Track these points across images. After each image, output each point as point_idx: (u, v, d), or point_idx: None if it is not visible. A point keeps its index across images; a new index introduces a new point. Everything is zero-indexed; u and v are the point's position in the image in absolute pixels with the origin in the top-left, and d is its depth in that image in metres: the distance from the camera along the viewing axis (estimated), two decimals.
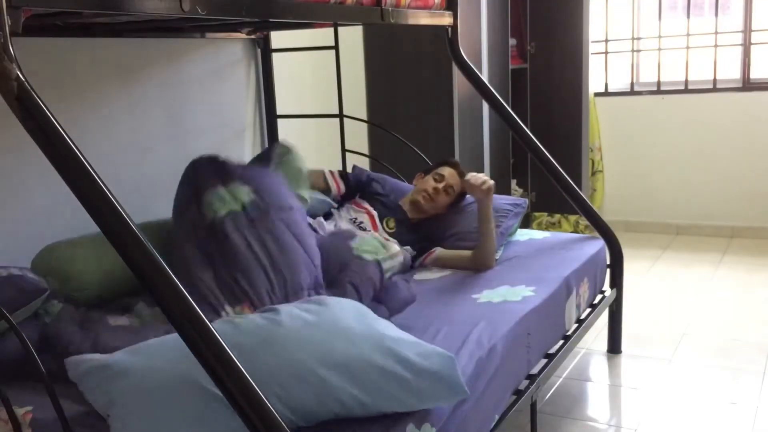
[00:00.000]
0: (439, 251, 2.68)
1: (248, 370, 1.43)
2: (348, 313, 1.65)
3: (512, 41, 4.37)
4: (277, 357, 1.48)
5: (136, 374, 1.48)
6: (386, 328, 1.64)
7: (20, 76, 1.23)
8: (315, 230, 2.46)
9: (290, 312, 1.63)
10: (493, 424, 1.94)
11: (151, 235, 2.28)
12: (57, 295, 2.03)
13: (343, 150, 3.42)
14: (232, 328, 1.55)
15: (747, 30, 4.66)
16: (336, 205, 2.83)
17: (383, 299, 2.06)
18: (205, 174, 2.17)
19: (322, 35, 3.36)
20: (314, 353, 1.49)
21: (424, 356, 1.55)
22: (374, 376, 1.49)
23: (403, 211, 2.81)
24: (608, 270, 3.00)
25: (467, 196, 2.84)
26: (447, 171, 2.83)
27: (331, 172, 2.93)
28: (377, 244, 2.20)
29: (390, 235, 2.68)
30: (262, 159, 2.58)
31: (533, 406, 2.25)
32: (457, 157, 3.66)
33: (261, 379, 1.42)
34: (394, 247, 2.41)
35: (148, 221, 2.40)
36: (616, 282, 3.02)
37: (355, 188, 2.91)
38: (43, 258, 2.17)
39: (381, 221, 2.72)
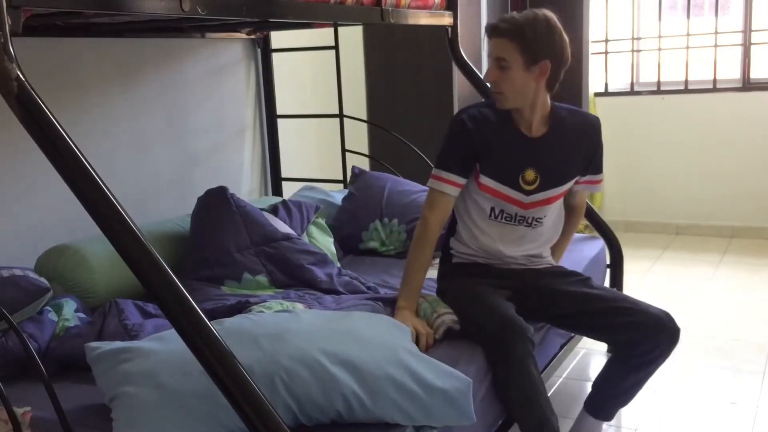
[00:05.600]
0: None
1: (256, 356, 1.44)
2: (367, 323, 1.66)
3: None
4: (285, 344, 1.49)
5: (156, 355, 1.49)
6: (406, 343, 1.64)
7: (20, 76, 1.23)
8: None
9: (311, 311, 1.70)
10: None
11: (155, 238, 2.33)
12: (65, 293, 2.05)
13: (343, 150, 3.42)
14: (249, 321, 1.60)
15: (747, 30, 4.65)
16: None
17: None
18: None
19: (322, 35, 3.36)
20: (323, 346, 1.50)
21: (439, 375, 1.55)
22: (382, 382, 1.49)
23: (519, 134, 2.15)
24: (608, 270, 3.00)
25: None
26: (493, 43, 2.04)
27: None
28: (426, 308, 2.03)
29: (532, 186, 2.14)
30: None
31: None
32: None
33: (267, 365, 1.43)
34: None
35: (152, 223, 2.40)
36: (616, 282, 3.02)
37: None
38: (48, 261, 2.16)
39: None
